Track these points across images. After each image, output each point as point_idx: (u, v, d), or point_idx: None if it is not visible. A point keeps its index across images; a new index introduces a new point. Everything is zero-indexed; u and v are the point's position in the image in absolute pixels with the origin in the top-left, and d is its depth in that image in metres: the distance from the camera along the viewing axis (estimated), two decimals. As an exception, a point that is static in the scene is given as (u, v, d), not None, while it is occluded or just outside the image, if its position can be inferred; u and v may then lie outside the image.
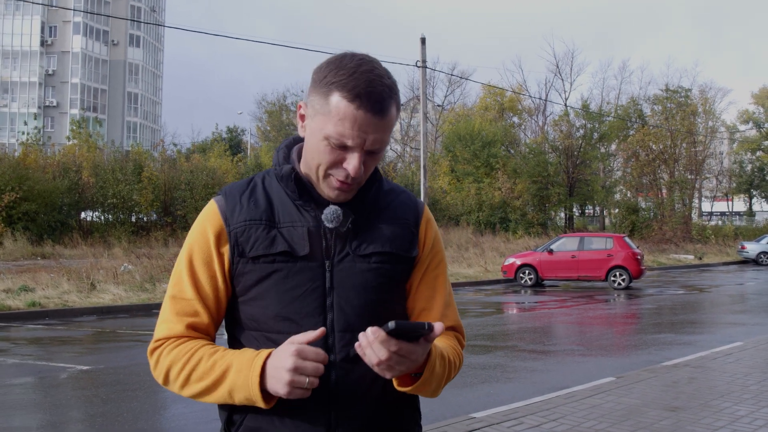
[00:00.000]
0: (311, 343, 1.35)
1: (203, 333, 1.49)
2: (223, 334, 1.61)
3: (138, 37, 77.78)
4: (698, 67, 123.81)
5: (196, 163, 34.97)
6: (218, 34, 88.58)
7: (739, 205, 73.08)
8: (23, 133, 35.90)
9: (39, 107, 69.96)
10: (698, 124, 48.64)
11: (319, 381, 1.37)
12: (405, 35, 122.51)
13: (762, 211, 68.90)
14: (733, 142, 67.99)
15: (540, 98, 52.69)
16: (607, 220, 45.82)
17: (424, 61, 24.43)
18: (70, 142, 38.63)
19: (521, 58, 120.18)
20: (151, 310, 13.75)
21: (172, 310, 1.49)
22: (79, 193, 29.86)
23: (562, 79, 53.46)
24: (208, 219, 1.51)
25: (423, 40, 24.36)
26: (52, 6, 67.87)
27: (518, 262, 20.57)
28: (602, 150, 46.21)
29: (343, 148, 1.40)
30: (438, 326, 1.30)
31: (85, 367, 8.19)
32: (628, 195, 45.94)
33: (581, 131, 44.17)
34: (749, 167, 65.76)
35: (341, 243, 1.48)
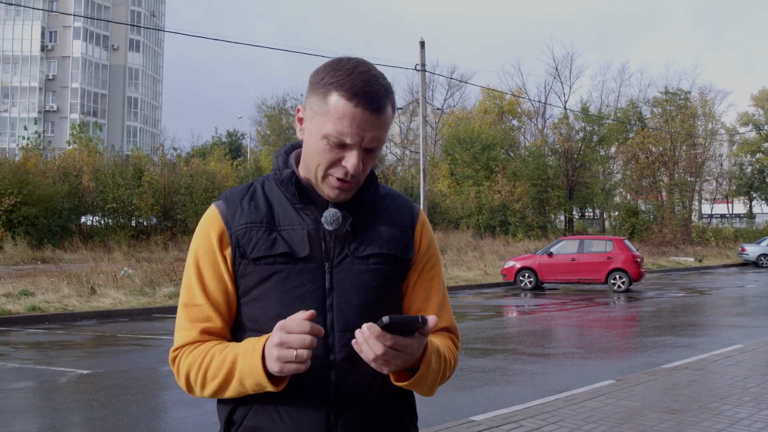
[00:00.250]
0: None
1: (218, 337, 1.52)
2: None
3: (138, 41, 77.89)
4: (698, 69, 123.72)
5: (195, 168, 35.02)
6: (218, 39, 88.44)
7: (739, 207, 73.11)
8: (23, 137, 35.94)
9: (39, 112, 70.00)
10: (698, 127, 48.69)
11: (319, 380, 1.40)
12: (404, 39, 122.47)
13: (762, 213, 68.89)
14: (733, 145, 68.02)
15: (539, 101, 52.75)
16: (606, 223, 45.84)
17: (423, 65, 24.48)
18: (70, 147, 38.64)
19: (520, 61, 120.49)
20: (151, 314, 13.76)
21: (186, 318, 1.52)
22: (79, 197, 29.89)
23: (562, 82, 53.50)
24: (210, 223, 1.54)
25: (422, 44, 24.41)
26: (52, 11, 67.99)
27: (518, 265, 20.57)
28: (602, 153, 46.25)
29: (342, 146, 1.44)
30: (431, 319, 1.33)
31: (85, 371, 8.19)
32: (628, 198, 45.95)
33: (581, 134, 44.22)
34: (749, 169, 65.75)
35: (340, 245, 1.51)
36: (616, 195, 46.37)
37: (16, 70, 71.30)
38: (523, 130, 55.55)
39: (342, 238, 1.51)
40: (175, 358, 1.51)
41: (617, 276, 19.36)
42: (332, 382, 1.46)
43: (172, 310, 13.02)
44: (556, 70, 53.01)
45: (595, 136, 44.35)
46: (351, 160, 1.43)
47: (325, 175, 1.47)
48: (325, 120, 1.43)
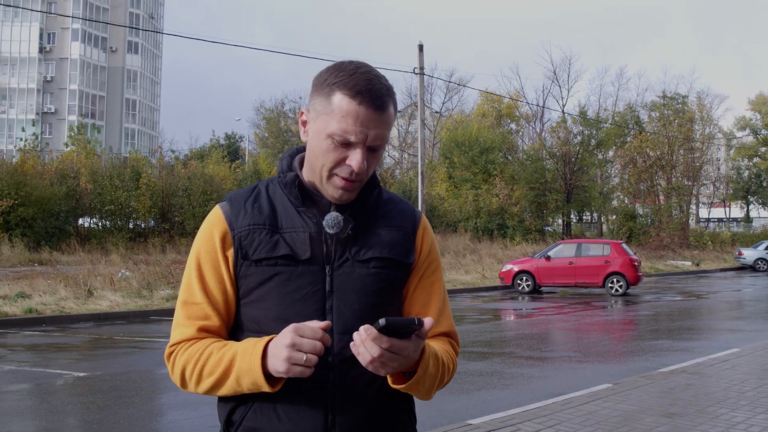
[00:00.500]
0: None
1: (215, 335, 1.53)
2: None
3: (136, 43, 77.86)
4: (695, 73, 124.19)
5: (193, 170, 34.92)
6: (216, 41, 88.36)
7: (736, 211, 73.31)
8: (21, 139, 35.83)
9: (37, 114, 69.90)
10: (695, 131, 48.78)
11: (318, 381, 1.41)
12: (403, 42, 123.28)
13: (759, 217, 69.07)
14: (730, 149, 68.21)
15: (537, 105, 52.79)
16: (604, 227, 45.88)
17: (421, 68, 24.51)
18: (68, 149, 38.52)
19: (519, 65, 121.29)
20: (149, 316, 13.74)
21: (184, 315, 1.53)
22: (76, 199, 29.83)
23: (560, 86, 53.50)
24: (214, 224, 1.55)
25: (421, 47, 24.44)
26: (50, 13, 67.96)
27: (516, 268, 20.58)
28: (600, 156, 46.32)
29: (346, 145, 1.45)
30: (427, 321, 1.34)
31: (81, 374, 8.17)
32: (626, 201, 46.03)
33: (579, 138, 44.28)
34: (746, 173, 65.97)
35: (341, 248, 1.53)
36: (613, 199, 46.43)
37: (14, 72, 71.21)
38: (521, 133, 55.63)
39: (343, 241, 1.53)
40: (171, 353, 1.52)
41: (615, 279, 19.38)
42: (331, 383, 1.48)
43: (170, 312, 13.00)
44: (555, 74, 53.09)
45: (592, 140, 44.40)
46: (355, 158, 1.45)
47: (330, 175, 1.49)
48: (329, 119, 1.45)
